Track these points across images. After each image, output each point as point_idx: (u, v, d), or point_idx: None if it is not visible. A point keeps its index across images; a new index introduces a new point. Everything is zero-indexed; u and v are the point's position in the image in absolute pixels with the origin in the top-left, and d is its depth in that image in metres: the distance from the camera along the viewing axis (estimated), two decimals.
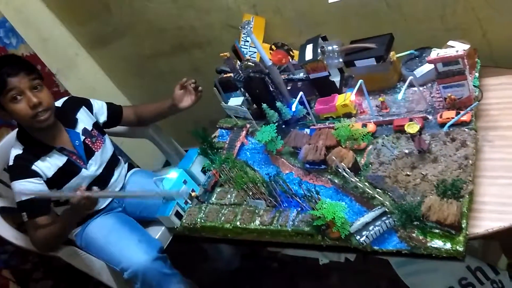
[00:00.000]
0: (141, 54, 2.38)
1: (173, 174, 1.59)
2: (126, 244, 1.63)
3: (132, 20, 2.20)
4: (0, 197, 1.77)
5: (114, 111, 1.84)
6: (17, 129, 1.64)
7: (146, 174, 1.93)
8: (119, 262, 1.60)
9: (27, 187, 1.54)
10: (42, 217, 1.55)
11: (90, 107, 1.78)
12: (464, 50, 1.24)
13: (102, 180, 1.74)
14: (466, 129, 1.25)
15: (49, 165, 1.59)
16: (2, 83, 1.47)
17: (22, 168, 1.56)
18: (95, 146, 1.72)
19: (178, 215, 1.56)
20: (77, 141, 1.67)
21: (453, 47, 1.33)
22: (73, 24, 2.40)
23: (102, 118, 1.81)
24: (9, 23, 2.02)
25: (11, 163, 1.58)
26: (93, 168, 1.70)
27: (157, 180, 1.57)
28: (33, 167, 1.56)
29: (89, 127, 1.73)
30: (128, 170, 1.93)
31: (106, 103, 1.84)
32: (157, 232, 1.77)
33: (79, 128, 1.70)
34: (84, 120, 1.73)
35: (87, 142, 1.70)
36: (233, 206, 1.49)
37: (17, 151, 1.58)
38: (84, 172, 1.67)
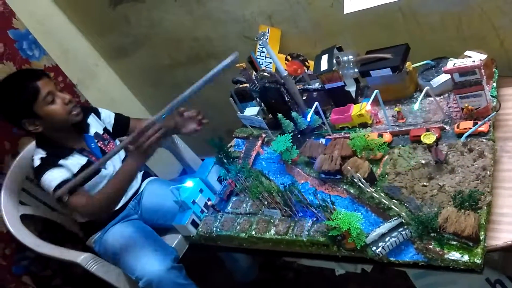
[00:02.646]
0: (159, 64, 2.42)
1: (189, 183, 1.60)
2: (142, 253, 1.65)
3: (149, 31, 2.25)
4: (22, 205, 1.81)
5: (121, 121, 1.90)
6: (34, 140, 1.70)
7: (163, 183, 1.96)
8: (135, 270, 1.62)
9: (58, 175, 1.57)
10: (81, 189, 1.59)
11: (98, 114, 1.85)
12: (481, 60, 1.23)
13: None
14: (484, 140, 1.24)
15: (73, 162, 1.64)
16: (35, 89, 1.54)
17: (50, 163, 1.59)
18: (108, 149, 1.78)
19: (194, 223, 1.57)
20: (92, 144, 1.74)
21: (470, 57, 1.32)
22: (93, 35, 2.46)
23: (109, 126, 1.87)
24: (32, 35, 2.09)
25: (37, 163, 1.60)
26: (111, 168, 1.75)
27: (174, 189, 1.59)
28: (60, 162, 1.61)
29: (100, 131, 1.80)
30: (145, 178, 1.97)
31: (114, 113, 1.91)
32: (173, 241, 1.78)
33: (92, 132, 1.77)
34: (94, 125, 1.80)
35: (100, 145, 1.76)
36: (248, 215, 1.50)
37: (40, 154, 1.62)
38: (103, 171, 1.72)
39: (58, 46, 2.31)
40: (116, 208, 1.79)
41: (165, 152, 2.08)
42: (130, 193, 1.86)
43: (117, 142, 1.87)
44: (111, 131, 1.87)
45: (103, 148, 1.77)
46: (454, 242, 1.07)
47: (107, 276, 1.70)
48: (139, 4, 2.13)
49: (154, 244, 1.70)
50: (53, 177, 1.56)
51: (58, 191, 1.50)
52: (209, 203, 1.61)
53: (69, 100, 1.61)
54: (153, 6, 2.11)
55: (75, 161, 1.65)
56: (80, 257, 1.67)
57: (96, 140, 1.77)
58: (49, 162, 1.60)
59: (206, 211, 1.61)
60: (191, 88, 1.42)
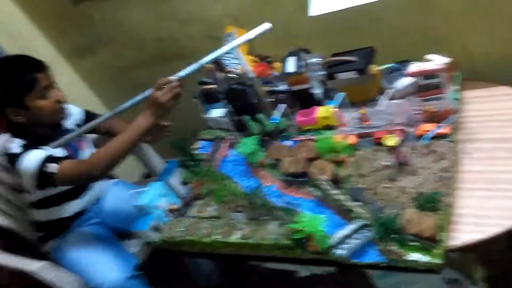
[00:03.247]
0: (122, 64, 2.36)
1: (151, 187, 1.55)
2: (101, 260, 1.60)
3: (112, 31, 2.20)
4: None
5: (91, 118, 1.79)
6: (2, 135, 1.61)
7: (126, 186, 1.90)
8: (93, 279, 1.56)
9: (42, 153, 1.46)
10: (68, 159, 1.51)
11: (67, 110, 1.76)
12: (443, 63, 1.26)
13: None
14: (445, 142, 1.26)
15: (55, 151, 1.54)
16: (33, 81, 1.45)
17: (31, 147, 1.48)
18: (80, 146, 1.72)
19: (156, 229, 1.52)
20: None
21: (433, 60, 1.35)
22: (54, 34, 2.38)
23: (80, 122, 1.79)
24: None
25: (17, 150, 1.47)
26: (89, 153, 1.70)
27: (135, 193, 1.54)
28: (42, 147, 1.50)
29: (73, 127, 1.73)
30: (108, 180, 1.91)
31: (84, 110, 1.83)
32: (134, 247, 1.73)
33: (67, 127, 1.70)
34: (68, 120, 1.72)
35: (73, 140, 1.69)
36: (213, 219, 1.47)
37: (19, 143, 1.50)
38: (80, 154, 1.67)
39: (15, 44, 2.20)
40: (77, 210, 1.72)
41: None
42: (94, 194, 1.79)
43: (90, 138, 1.80)
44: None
45: (77, 144, 1.70)
46: (415, 243, 1.08)
47: (64, 285, 1.62)
48: (102, 2, 2.08)
49: (115, 251, 1.65)
50: (36, 155, 1.45)
51: (46, 164, 1.42)
52: (172, 207, 1.56)
53: (62, 97, 1.54)
54: (117, 4, 2.06)
55: (56, 151, 1.56)
56: (35, 266, 1.58)
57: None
58: (31, 146, 1.49)
59: (169, 215, 1.56)
60: (214, 53, 1.47)
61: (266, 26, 1.40)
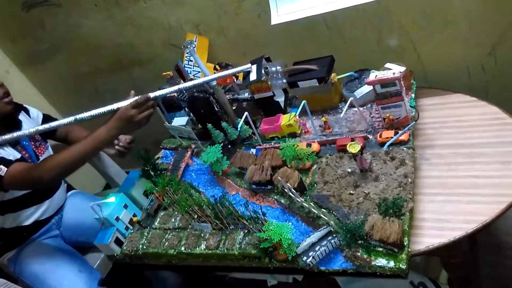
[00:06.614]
0: (78, 71, 2.28)
1: (112, 199, 1.50)
2: (65, 274, 1.54)
3: (67, 37, 2.12)
4: None
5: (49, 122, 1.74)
6: None
7: (85, 197, 1.84)
8: None
9: None
10: (18, 161, 1.43)
11: (27, 112, 1.71)
12: (400, 72, 1.29)
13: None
14: (405, 148, 1.30)
15: (8, 153, 1.48)
16: None
17: None
18: (39, 151, 1.65)
19: (118, 242, 1.48)
20: (25, 141, 1.59)
21: (390, 69, 1.39)
22: (4, 40, 2.26)
23: (37, 125, 1.70)
24: None
25: None
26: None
27: (95, 205, 1.48)
28: None
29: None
30: (67, 191, 1.85)
31: (42, 113, 1.77)
32: (95, 260, 1.67)
33: (22, 127, 1.63)
34: (26, 123, 1.65)
35: (31, 145, 1.62)
36: (177, 230, 1.44)
37: None
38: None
39: None
40: (36, 219, 1.64)
41: (86, 165, 1.94)
42: (54, 204, 1.72)
43: (49, 146, 1.72)
44: None
45: (34, 149, 1.63)
46: (380, 249, 1.10)
47: None
48: (55, 8, 1.99)
49: (78, 264, 1.59)
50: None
51: None
52: (134, 219, 1.52)
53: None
54: (70, 10, 1.99)
55: (10, 152, 1.49)
56: None
57: (29, 139, 1.62)
58: None
59: (131, 227, 1.52)
60: (199, 80, 1.47)
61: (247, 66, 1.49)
